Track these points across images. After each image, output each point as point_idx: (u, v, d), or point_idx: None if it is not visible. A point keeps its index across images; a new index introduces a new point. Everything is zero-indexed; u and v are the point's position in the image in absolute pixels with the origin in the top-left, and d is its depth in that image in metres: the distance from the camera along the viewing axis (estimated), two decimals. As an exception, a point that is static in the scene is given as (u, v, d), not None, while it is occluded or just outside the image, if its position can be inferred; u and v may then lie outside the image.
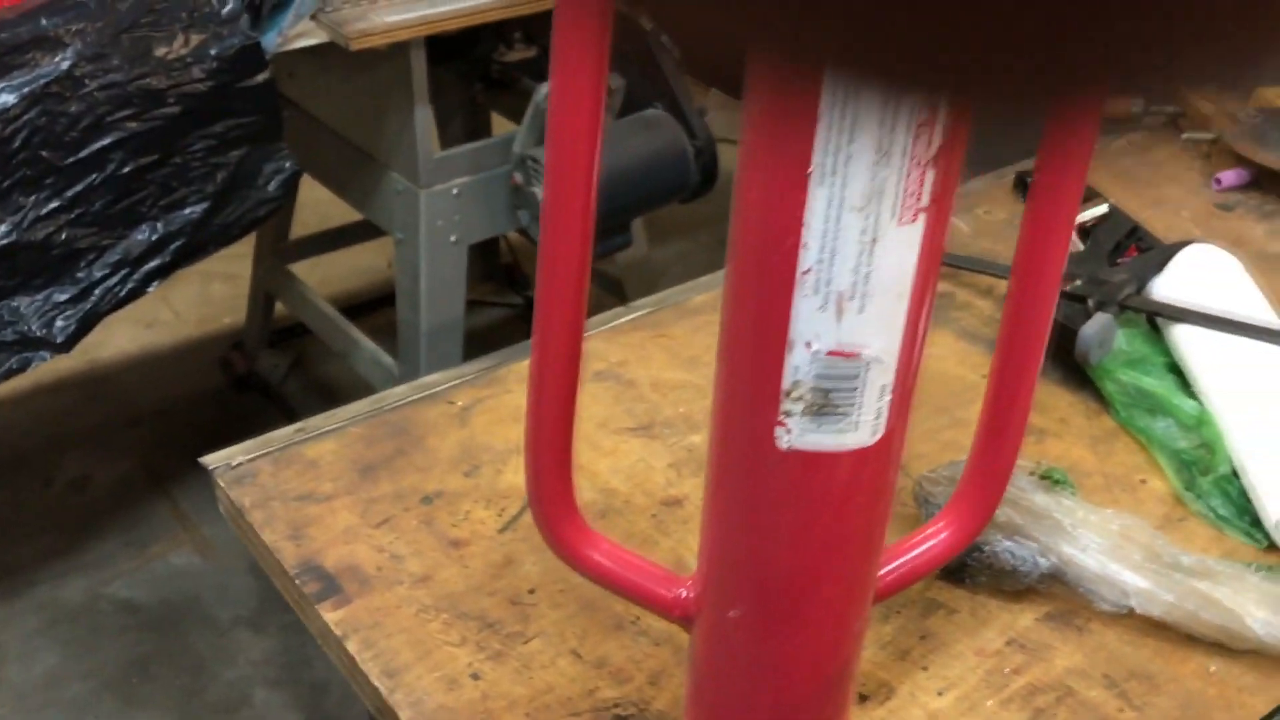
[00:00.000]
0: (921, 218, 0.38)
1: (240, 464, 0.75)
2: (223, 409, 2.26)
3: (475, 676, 0.62)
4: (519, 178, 1.69)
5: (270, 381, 2.28)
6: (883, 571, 0.52)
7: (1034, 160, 1.05)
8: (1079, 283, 0.88)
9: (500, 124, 2.26)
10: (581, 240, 0.44)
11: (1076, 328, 0.84)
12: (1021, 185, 1.11)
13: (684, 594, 0.51)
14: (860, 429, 0.42)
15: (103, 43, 1.33)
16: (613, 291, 2.31)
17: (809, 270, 0.39)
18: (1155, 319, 0.88)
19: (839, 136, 0.37)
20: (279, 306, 2.27)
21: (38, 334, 1.38)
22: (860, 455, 0.43)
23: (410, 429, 0.79)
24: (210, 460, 0.75)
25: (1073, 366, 0.86)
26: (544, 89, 1.74)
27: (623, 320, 0.92)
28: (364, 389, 2.07)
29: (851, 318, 0.40)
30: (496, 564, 0.69)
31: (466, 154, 1.75)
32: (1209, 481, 0.76)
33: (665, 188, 1.75)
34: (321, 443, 0.78)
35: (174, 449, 2.16)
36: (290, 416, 2.22)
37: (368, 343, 1.99)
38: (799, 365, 0.41)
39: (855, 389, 0.41)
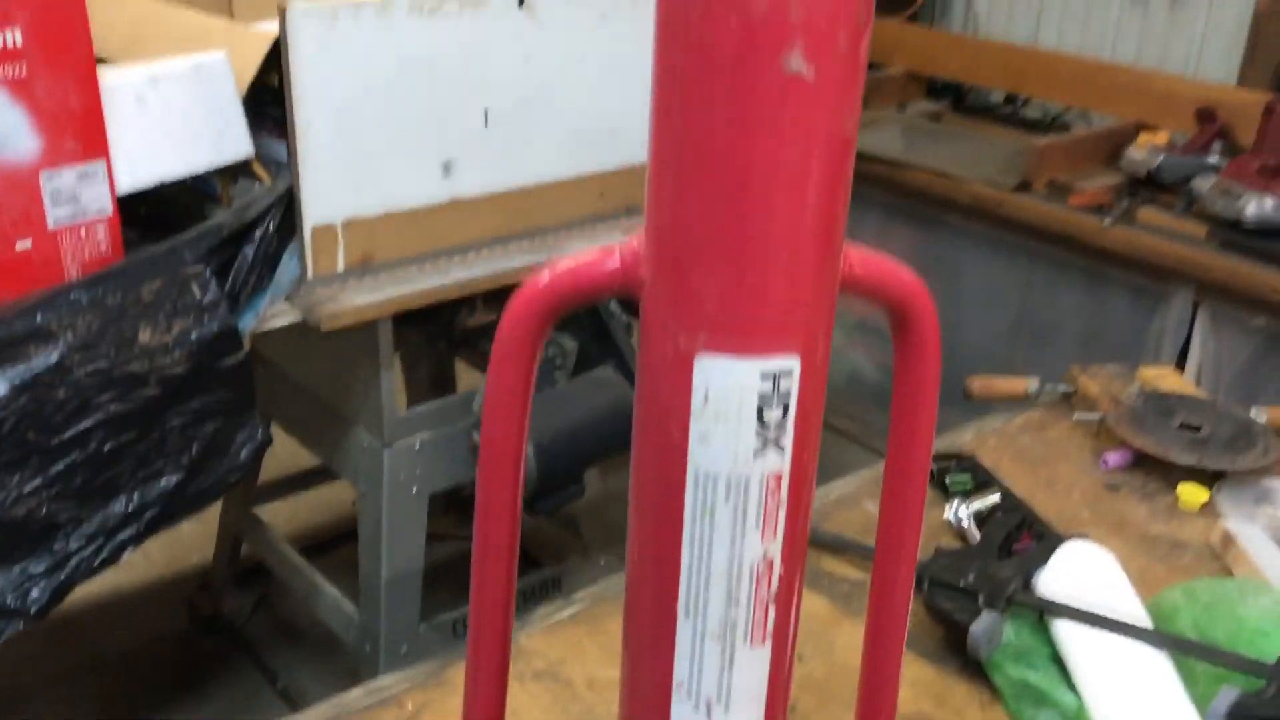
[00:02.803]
0: (769, 640, 0.49)
1: (208, 775, 0.82)
2: (188, 652, 2.29)
3: None
4: (477, 437, 1.80)
5: (236, 623, 2.33)
6: None
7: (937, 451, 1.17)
8: (971, 578, 0.99)
9: (465, 370, 2.39)
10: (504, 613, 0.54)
11: (968, 624, 0.94)
12: (931, 474, 1.22)
13: None
14: (733, 802, 0.51)
15: (92, 334, 1.44)
16: (570, 528, 2.40)
17: (681, 683, 0.49)
18: (1041, 611, 0.98)
19: (697, 583, 0.47)
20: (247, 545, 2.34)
21: (12, 605, 1.45)
22: (735, 821, 0.52)
23: (364, 734, 0.87)
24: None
25: (969, 658, 0.95)
26: (501, 353, 1.87)
27: (563, 615, 1.01)
28: (326, 633, 2.13)
29: (720, 717, 0.49)
30: None
31: (429, 411, 1.86)
32: (1086, 774, 0.84)
33: (614, 442, 1.86)
34: (283, 751, 0.85)
35: (136, 694, 2.18)
36: (254, 659, 2.26)
37: (329, 589, 2.05)
38: (681, 752, 0.50)
39: (726, 771, 0.50)
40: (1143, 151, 2.47)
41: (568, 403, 1.85)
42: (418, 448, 1.85)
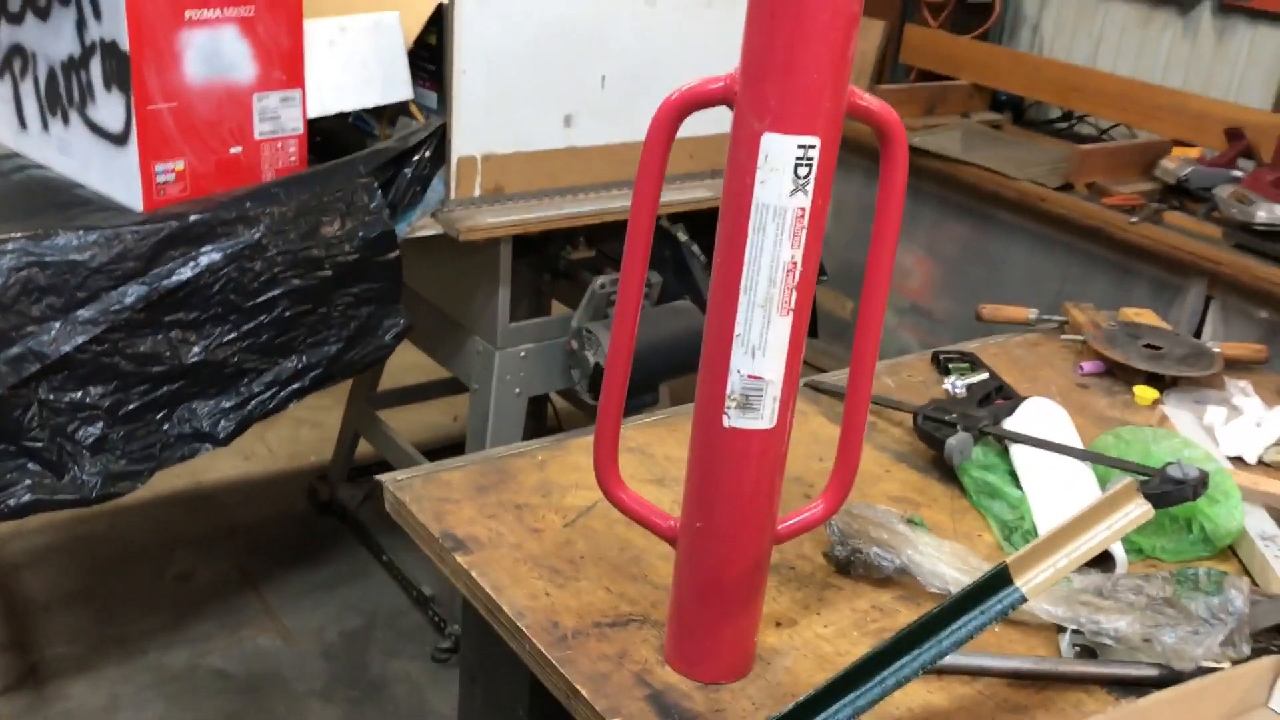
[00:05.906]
0: (791, 313, 0.83)
1: (401, 479, 1.19)
2: (306, 528, 2.68)
3: (547, 594, 1.04)
4: (574, 344, 2.17)
5: (348, 508, 2.71)
6: (784, 524, 0.95)
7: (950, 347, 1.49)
8: (954, 415, 1.32)
9: (556, 308, 2.76)
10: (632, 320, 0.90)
11: (945, 440, 1.27)
12: (937, 361, 1.56)
13: (672, 524, 0.94)
14: (764, 419, 0.86)
15: (285, 221, 1.83)
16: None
17: (739, 334, 0.84)
18: (1003, 441, 1.31)
19: (752, 271, 0.82)
20: (360, 447, 2.72)
21: (207, 430, 1.83)
22: (764, 433, 0.87)
23: (508, 469, 1.23)
24: (382, 477, 1.19)
25: (947, 468, 1.28)
26: (599, 280, 2.23)
27: (647, 420, 1.36)
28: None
29: (759, 359, 0.84)
30: (560, 543, 1.11)
31: (535, 325, 2.23)
32: (1019, 535, 1.17)
33: (686, 363, 2.21)
34: (452, 473, 1.21)
35: (264, 555, 2.58)
36: (363, 537, 2.64)
37: (437, 475, 2.43)
38: (734, 382, 0.85)
39: (761, 396, 0.85)
40: (1175, 163, 2.77)
41: (650, 324, 2.20)
42: (522, 355, 2.22)
